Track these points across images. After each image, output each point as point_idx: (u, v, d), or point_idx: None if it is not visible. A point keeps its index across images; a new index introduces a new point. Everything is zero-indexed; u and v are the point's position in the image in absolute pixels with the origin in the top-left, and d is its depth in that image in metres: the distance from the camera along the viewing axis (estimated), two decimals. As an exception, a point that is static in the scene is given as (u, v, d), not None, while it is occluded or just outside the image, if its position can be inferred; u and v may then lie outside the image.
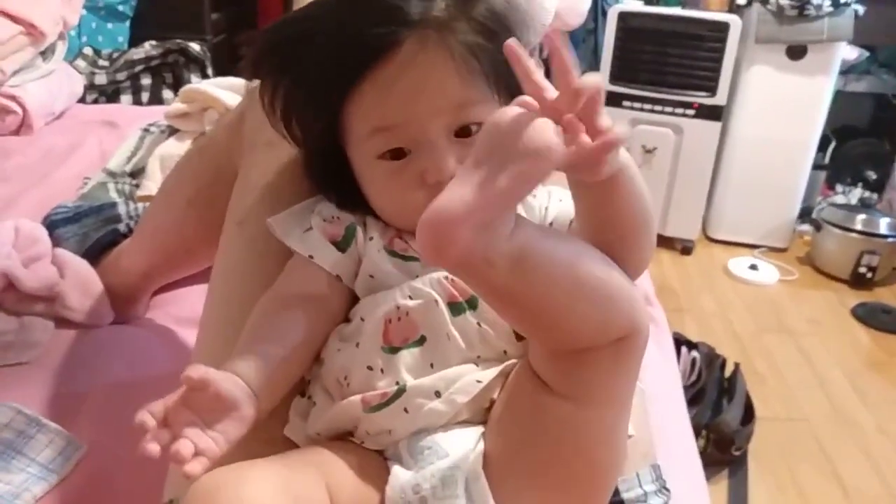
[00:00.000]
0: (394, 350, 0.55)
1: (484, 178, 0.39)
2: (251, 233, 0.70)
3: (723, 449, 1.57)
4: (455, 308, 0.55)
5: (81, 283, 1.01)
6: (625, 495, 0.62)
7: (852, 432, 1.77)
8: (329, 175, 0.63)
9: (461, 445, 0.51)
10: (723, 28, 2.30)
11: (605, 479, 0.52)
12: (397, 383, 0.54)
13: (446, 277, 0.56)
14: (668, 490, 0.66)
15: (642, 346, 0.48)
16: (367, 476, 0.52)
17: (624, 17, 2.40)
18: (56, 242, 1.08)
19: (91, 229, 1.08)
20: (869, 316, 2.22)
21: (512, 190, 0.39)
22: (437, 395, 0.53)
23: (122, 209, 1.11)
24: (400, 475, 0.50)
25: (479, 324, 0.55)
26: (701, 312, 2.23)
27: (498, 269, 0.41)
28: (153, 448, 0.45)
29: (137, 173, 1.29)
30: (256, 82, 0.84)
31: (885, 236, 2.37)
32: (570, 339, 0.46)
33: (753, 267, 2.45)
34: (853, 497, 1.58)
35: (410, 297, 0.56)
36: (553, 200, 0.62)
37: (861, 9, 2.33)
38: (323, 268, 0.59)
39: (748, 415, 1.64)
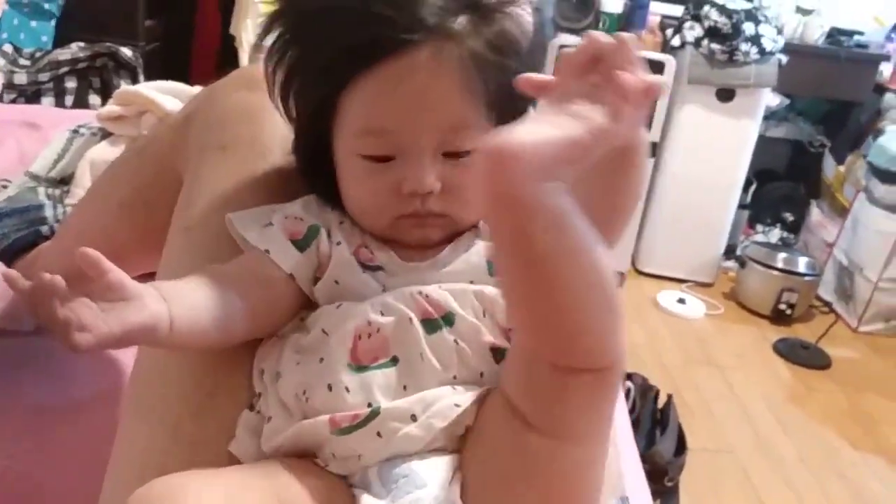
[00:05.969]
0: (361, 369, 0.51)
1: (564, 123, 0.39)
2: (200, 239, 0.66)
3: (656, 480, 1.57)
4: (430, 325, 0.52)
5: (-5, 287, 0.92)
6: (595, 527, 0.60)
7: (775, 463, 1.83)
8: (313, 156, 0.61)
9: (440, 475, 0.47)
10: (658, 67, 2.38)
11: None
12: (370, 404, 0.50)
13: (419, 292, 0.53)
14: (635, 521, 0.65)
15: (618, 383, 0.47)
16: (330, 502, 0.48)
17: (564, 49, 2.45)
18: (-31, 244, 0.98)
19: (11, 230, 0.99)
20: (789, 351, 2.31)
21: (588, 144, 0.39)
22: (413, 418, 0.49)
23: (49, 212, 1.03)
24: None
25: (455, 341, 0.52)
26: (631, 344, 2.27)
27: (536, 222, 0.39)
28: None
29: (66, 179, 1.20)
30: (204, 87, 0.81)
31: (803, 274, 2.48)
32: (570, 340, 0.43)
33: (681, 301, 2.52)
34: (778, 527, 1.62)
35: (382, 313, 0.52)
36: None
37: (784, 58, 2.47)
38: (278, 265, 0.56)
39: (680, 446, 1.66)
